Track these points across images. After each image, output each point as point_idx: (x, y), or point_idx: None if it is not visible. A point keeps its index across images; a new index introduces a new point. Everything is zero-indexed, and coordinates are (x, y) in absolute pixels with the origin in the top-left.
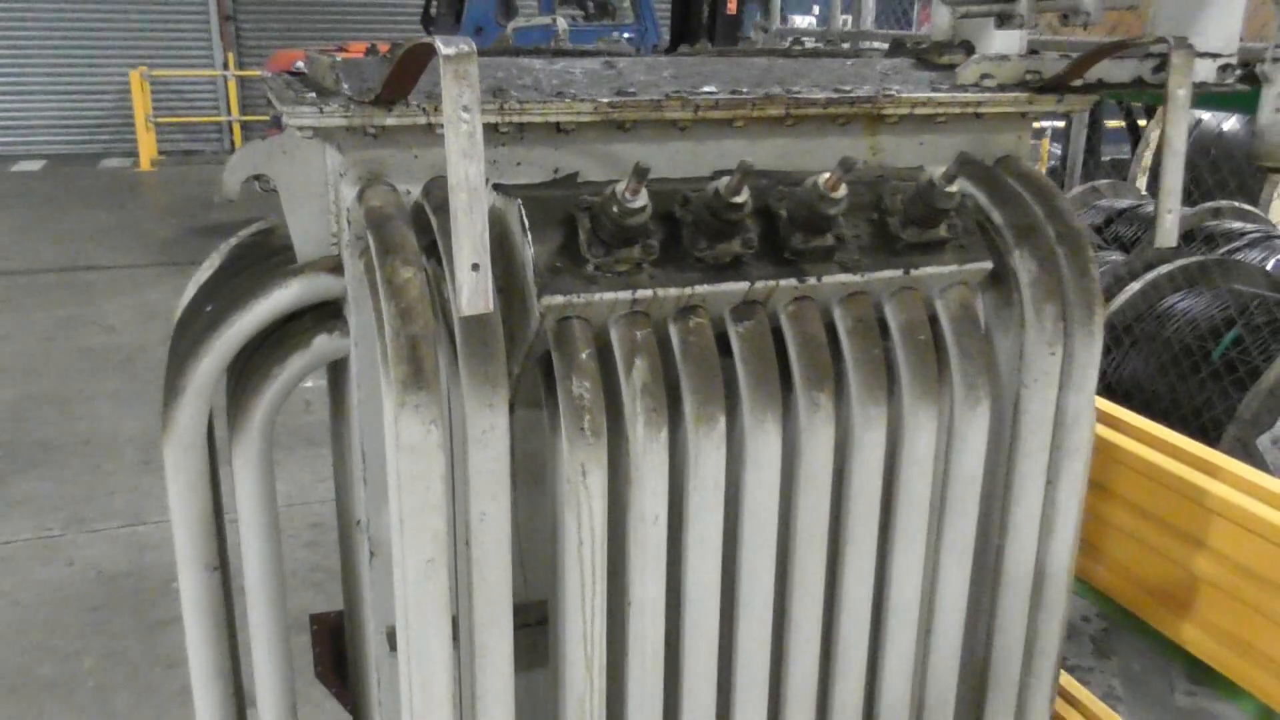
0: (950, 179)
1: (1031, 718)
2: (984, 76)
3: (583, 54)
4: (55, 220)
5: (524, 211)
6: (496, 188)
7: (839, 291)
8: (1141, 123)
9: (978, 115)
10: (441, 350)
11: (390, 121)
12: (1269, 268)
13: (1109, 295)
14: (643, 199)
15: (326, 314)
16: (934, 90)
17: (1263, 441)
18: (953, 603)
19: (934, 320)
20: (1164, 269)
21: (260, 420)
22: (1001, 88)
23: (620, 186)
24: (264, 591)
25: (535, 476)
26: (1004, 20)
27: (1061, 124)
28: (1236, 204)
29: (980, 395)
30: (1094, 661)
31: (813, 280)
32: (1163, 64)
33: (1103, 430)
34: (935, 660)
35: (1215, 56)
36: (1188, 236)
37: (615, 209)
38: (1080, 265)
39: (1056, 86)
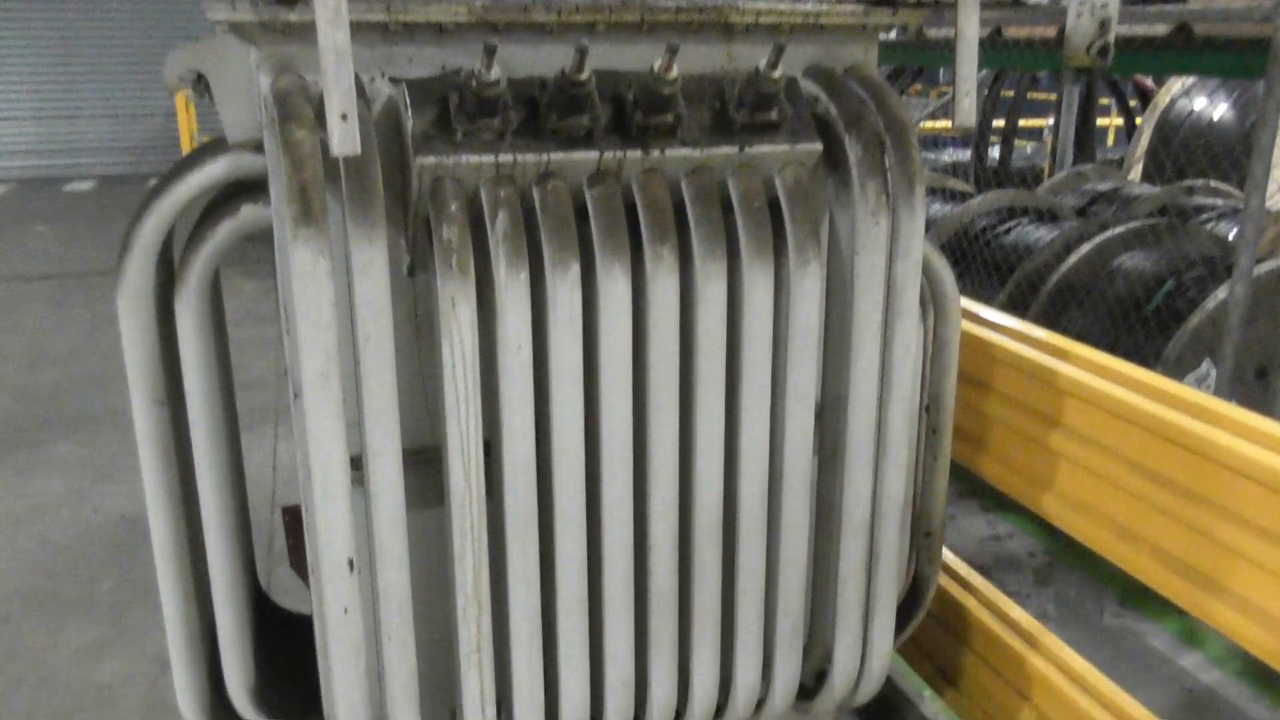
0: (773, 65)
1: (882, 580)
2: None
3: None
4: (102, 233)
5: (407, 93)
6: (391, 80)
7: (683, 165)
8: (1138, 120)
9: (820, 26)
10: (333, 201)
11: (293, 17)
12: (1230, 237)
13: (1062, 258)
14: (496, 74)
15: (254, 189)
16: (778, 2)
17: (1188, 381)
18: (799, 438)
19: (776, 201)
20: (1114, 231)
21: (198, 274)
22: (840, 1)
23: (477, 65)
24: (205, 421)
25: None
26: None
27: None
28: (1210, 183)
29: (810, 256)
30: (1032, 589)
31: (656, 153)
32: None
33: (980, 331)
34: (786, 491)
35: None
36: (1162, 210)
37: (475, 84)
38: (903, 149)
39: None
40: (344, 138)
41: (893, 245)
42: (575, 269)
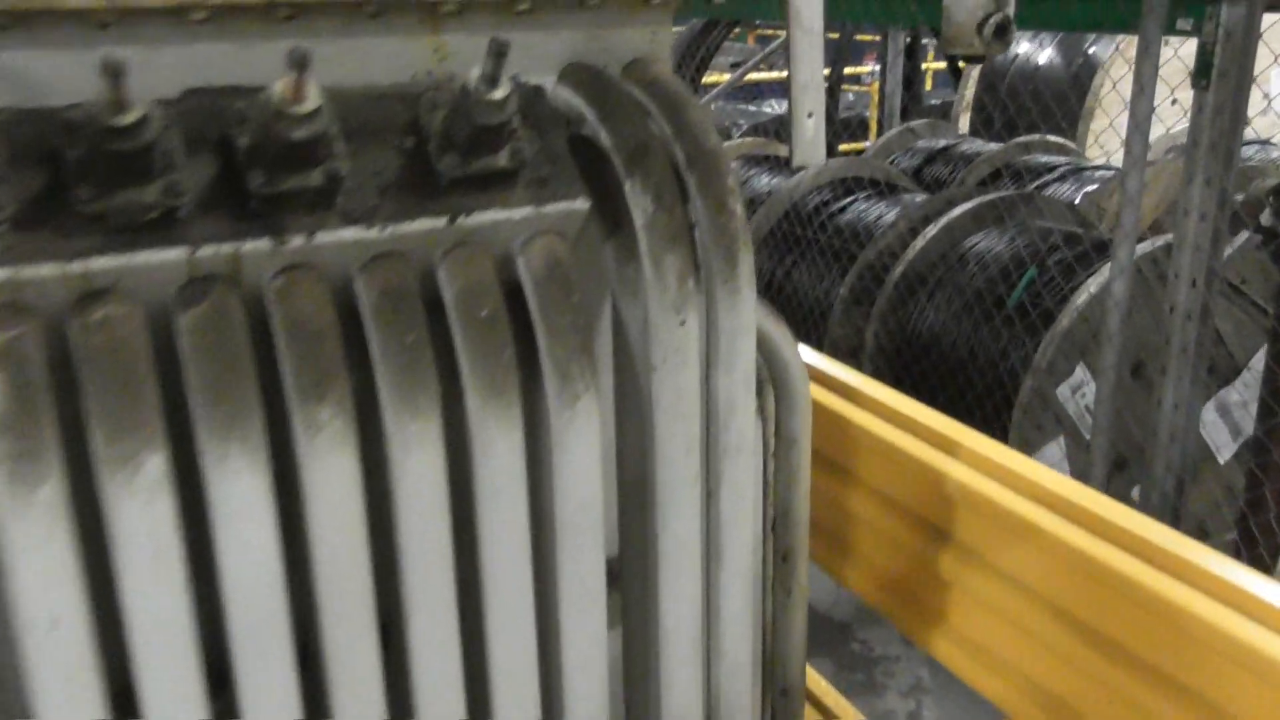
0: (490, 80)
1: None
2: None
3: None
4: None
5: None
6: None
7: (356, 255)
8: (962, 64)
9: (582, 3)
10: None
11: None
12: (1076, 201)
13: (908, 240)
14: None
15: None
16: None
17: (1062, 391)
18: (585, 651)
19: (518, 290)
20: (963, 207)
21: None
22: None
23: None
24: None
25: None
26: None
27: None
28: (1047, 138)
29: (579, 389)
30: (901, 650)
31: (299, 239)
32: None
33: (838, 403)
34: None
35: None
36: (996, 174)
37: None
38: (715, 199)
39: None
40: None
41: (709, 351)
42: (155, 464)
